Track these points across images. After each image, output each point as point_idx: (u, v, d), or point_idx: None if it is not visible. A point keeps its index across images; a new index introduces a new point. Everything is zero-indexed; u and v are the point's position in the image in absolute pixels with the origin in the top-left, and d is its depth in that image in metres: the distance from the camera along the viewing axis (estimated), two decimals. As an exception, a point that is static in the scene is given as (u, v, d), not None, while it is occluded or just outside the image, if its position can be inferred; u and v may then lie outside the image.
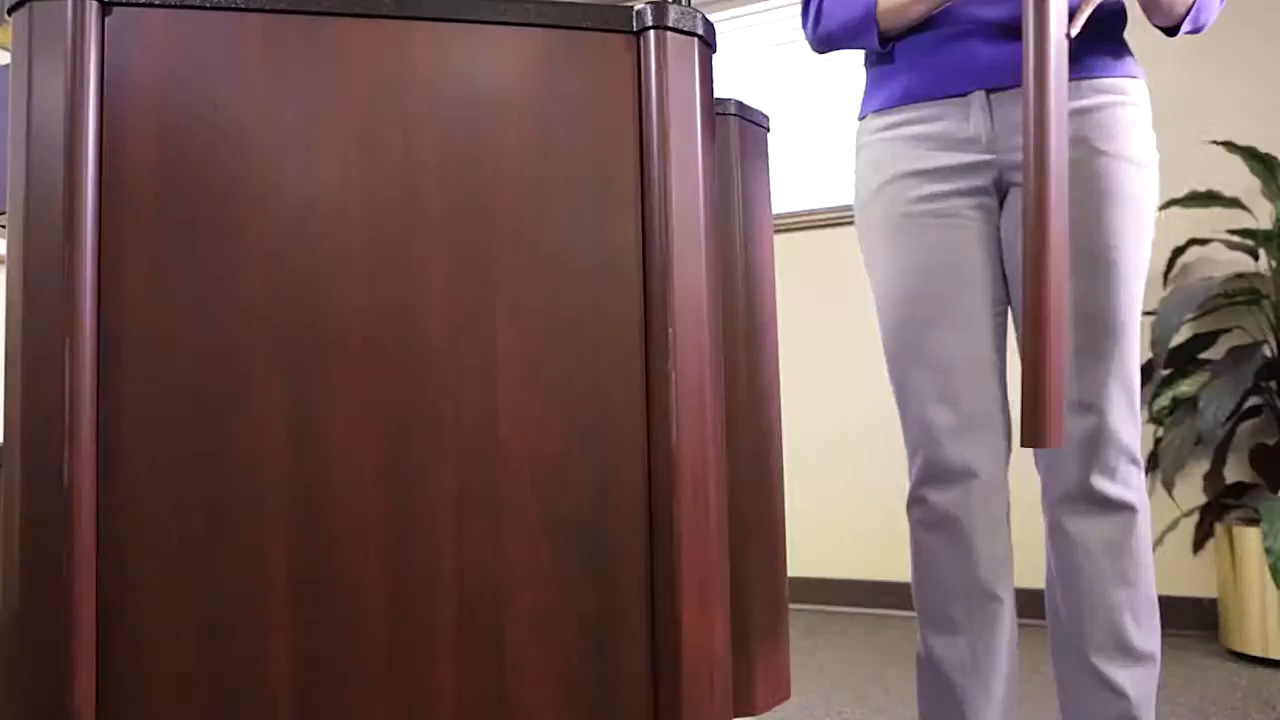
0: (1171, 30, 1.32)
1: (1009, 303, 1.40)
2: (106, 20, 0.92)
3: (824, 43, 1.41)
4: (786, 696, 1.15)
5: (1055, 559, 1.34)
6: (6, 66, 1.22)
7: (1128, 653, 1.31)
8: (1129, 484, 1.30)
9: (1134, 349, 1.31)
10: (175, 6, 0.93)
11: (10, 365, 0.91)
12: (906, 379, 1.39)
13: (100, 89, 0.92)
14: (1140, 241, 1.30)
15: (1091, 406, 1.29)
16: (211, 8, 0.94)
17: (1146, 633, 1.32)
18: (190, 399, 0.93)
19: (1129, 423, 1.30)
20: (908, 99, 1.37)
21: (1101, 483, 1.29)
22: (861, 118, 1.44)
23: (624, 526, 0.99)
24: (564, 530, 0.98)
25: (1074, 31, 1.16)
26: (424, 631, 0.95)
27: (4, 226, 0.98)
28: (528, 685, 0.98)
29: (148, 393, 0.92)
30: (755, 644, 1.09)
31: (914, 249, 1.35)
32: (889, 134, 1.38)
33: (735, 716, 1.06)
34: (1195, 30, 1.31)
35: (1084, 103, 1.29)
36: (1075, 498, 1.30)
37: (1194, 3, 1.26)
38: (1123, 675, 1.32)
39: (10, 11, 0.91)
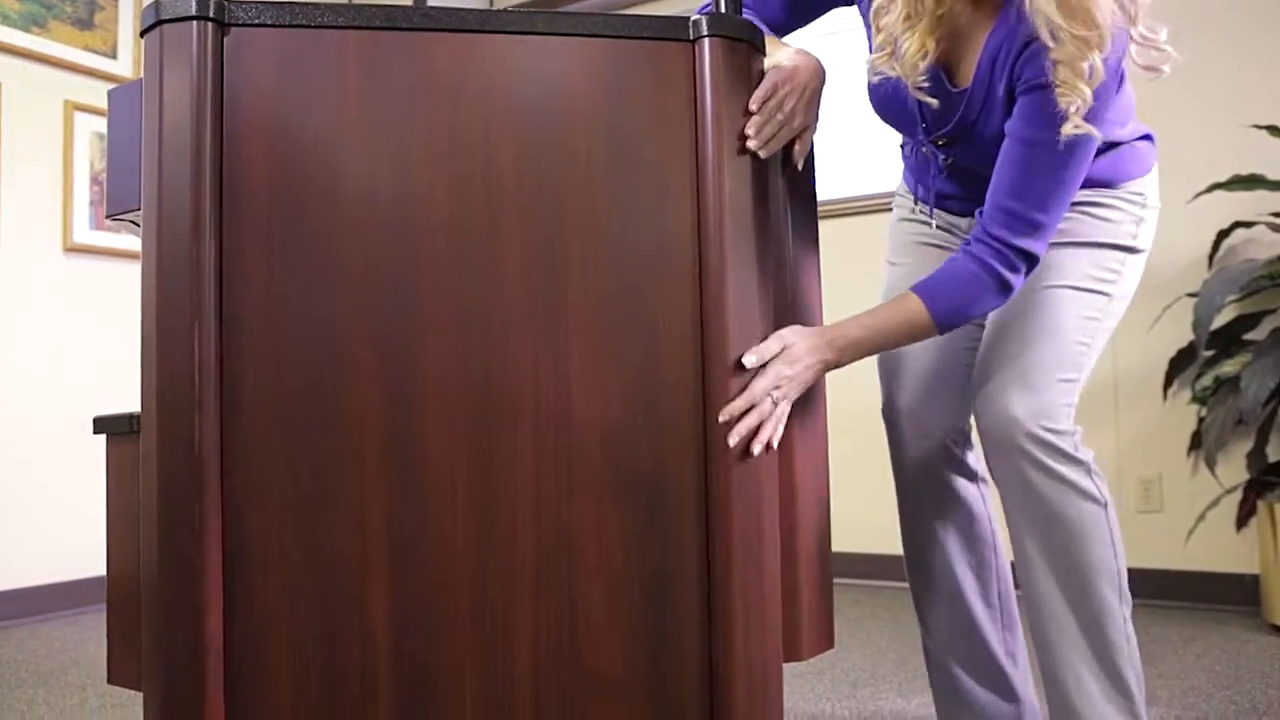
0: None
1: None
2: (225, 40, 1.04)
3: None
4: (830, 645, 1.25)
5: None
6: (125, 86, 1.37)
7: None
8: (1056, 475, 1.31)
9: (1070, 347, 1.34)
10: (283, 26, 1.05)
11: (145, 344, 1.04)
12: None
13: (219, 99, 1.04)
14: (1078, 254, 1.37)
15: (996, 392, 1.34)
16: (315, 27, 1.05)
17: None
18: (298, 371, 1.05)
19: (1054, 412, 1.32)
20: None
21: (1030, 472, 1.32)
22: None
23: (680, 487, 1.10)
24: (627, 491, 1.09)
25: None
26: (505, 580, 1.07)
27: (137, 224, 1.12)
28: (594, 632, 1.09)
29: (261, 365, 1.04)
30: (802, 595, 1.19)
31: (910, 267, 1.56)
32: (902, 202, 1.63)
33: (784, 662, 1.16)
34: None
35: None
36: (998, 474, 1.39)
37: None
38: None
39: (143, 33, 1.04)
